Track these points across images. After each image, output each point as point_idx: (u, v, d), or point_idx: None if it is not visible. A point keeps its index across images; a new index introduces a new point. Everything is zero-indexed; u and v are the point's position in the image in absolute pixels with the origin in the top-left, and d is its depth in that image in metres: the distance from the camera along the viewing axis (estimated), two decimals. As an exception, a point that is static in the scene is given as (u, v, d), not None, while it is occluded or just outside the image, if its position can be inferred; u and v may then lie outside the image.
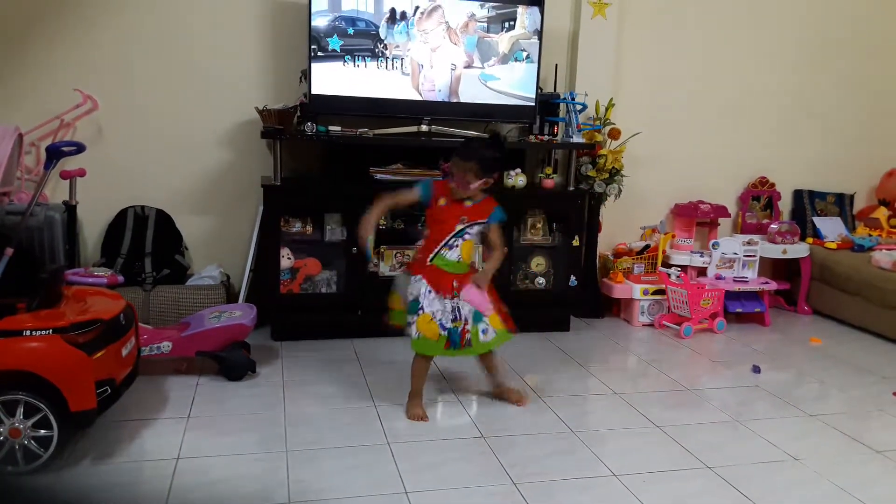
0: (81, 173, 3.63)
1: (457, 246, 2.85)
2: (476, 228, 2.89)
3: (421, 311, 2.80)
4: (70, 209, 3.49)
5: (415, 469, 2.48)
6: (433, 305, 2.81)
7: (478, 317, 2.85)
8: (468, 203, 2.86)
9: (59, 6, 3.69)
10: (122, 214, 3.87)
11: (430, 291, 2.81)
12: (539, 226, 4.10)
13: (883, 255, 4.31)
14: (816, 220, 4.95)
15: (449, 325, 2.81)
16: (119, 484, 2.33)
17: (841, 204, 5.07)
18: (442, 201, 2.86)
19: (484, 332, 2.86)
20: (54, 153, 3.20)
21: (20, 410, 2.28)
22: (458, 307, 2.82)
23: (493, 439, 2.73)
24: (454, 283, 2.82)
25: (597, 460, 2.61)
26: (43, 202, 3.52)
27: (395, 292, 2.98)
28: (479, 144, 2.95)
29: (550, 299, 4.12)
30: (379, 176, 3.79)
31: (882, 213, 5.00)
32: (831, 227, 4.91)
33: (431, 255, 2.85)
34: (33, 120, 3.67)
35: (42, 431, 2.30)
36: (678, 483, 2.48)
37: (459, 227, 2.84)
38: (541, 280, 4.11)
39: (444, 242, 2.84)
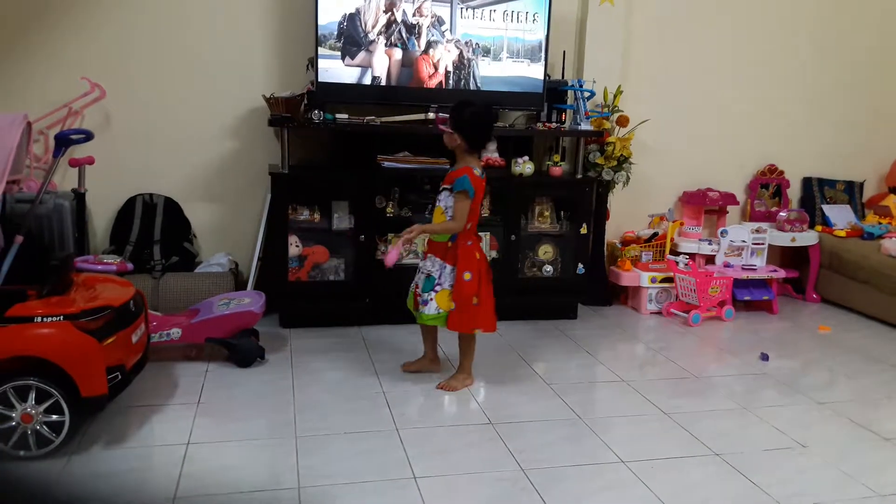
0: (90, 161, 3.64)
1: (431, 212, 3.09)
2: (443, 195, 2.99)
3: (439, 287, 2.98)
4: (79, 197, 3.50)
5: (423, 455, 2.50)
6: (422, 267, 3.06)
7: (427, 285, 3.01)
8: (450, 168, 3.04)
9: (66, -6, 3.69)
10: (131, 202, 3.89)
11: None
12: (547, 213, 4.10)
13: (893, 243, 4.28)
14: (825, 207, 4.93)
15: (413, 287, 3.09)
16: (130, 469, 2.35)
17: (850, 192, 5.04)
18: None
19: (425, 303, 3.00)
20: (63, 141, 3.21)
21: (32, 396, 2.30)
22: (420, 270, 3.07)
23: (501, 425, 2.74)
24: (424, 247, 3.10)
25: (605, 447, 2.62)
26: (52, 190, 3.53)
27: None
28: (467, 103, 3.00)
29: (558, 287, 4.12)
30: (386, 164, 3.79)
31: (892, 201, 4.97)
32: (840, 215, 4.89)
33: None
34: (41, 108, 3.68)
35: (54, 417, 2.32)
36: (686, 470, 2.48)
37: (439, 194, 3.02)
38: (548, 268, 4.11)
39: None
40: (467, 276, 2.95)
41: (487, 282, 3.03)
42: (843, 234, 4.67)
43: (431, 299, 2.98)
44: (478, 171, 2.96)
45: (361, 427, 2.69)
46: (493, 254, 3.94)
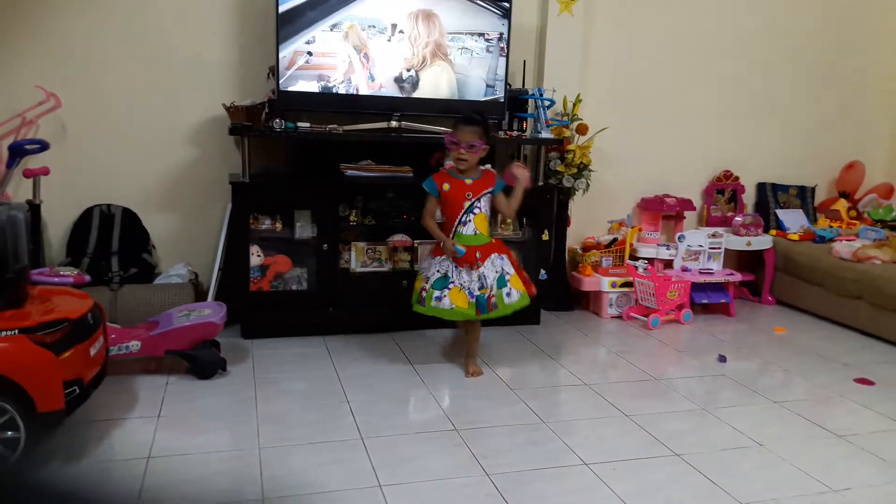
0: (45, 172, 3.58)
1: (470, 221, 3.21)
2: (484, 201, 3.25)
3: (452, 285, 3.16)
4: (34, 208, 3.43)
5: (388, 463, 2.50)
6: (461, 278, 3.17)
7: (501, 282, 3.21)
8: (468, 181, 3.22)
9: (19, 2, 3.62)
10: (88, 213, 3.82)
11: (456, 267, 3.18)
12: (509, 221, 4.13)
13: (843, 246, 4.42)
14: (779, 212, 5.06)
15: (476, 292, 3.17)
16: (88, 485, 2.30)
17: (803, 196, 5.19)
18: (446, 186, 3.22)
19: (508, 294, 3.22)
20: (17, 151, 3.15)
21: (-15, 412, 2.24)
22: (484, 276, 3.18)
23: (465, 431, 2.76)
24: (477, 255, 3.18)
25: (568, 450, 2.65)
26: (5, 201, 3.45)
27: (422, 275, 3.31)
28: (478, 114, 3.28)
29: (521, 293, 4.15)
30: (349, 172, 3.79)
31: (842, 205, 5.12)
32: (794, 219, 5.03)
33: (451, 235, 3.22)
34: (-6, 118, 3.61)
35: (9, 433, 2.26)
36: (647, 470, 2.53)
37: (467, 203, 3.20)
38: (511, 274, 4.14)
39: (458, 221, 3.21)
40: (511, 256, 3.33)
41: None
42: (796, 237, 4.79)
43: (511, 289, 3.22)
44: None
45: (326, 437, 2.68)
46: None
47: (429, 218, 3.27)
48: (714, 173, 4.99)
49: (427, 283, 3.22)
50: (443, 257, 3.23)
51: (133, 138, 3.86)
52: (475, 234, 3.21)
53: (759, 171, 5.11)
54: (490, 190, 3.26)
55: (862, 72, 5.22)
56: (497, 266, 3.22)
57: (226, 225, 3.87)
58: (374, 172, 3.79)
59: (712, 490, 2.41)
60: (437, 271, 3.21)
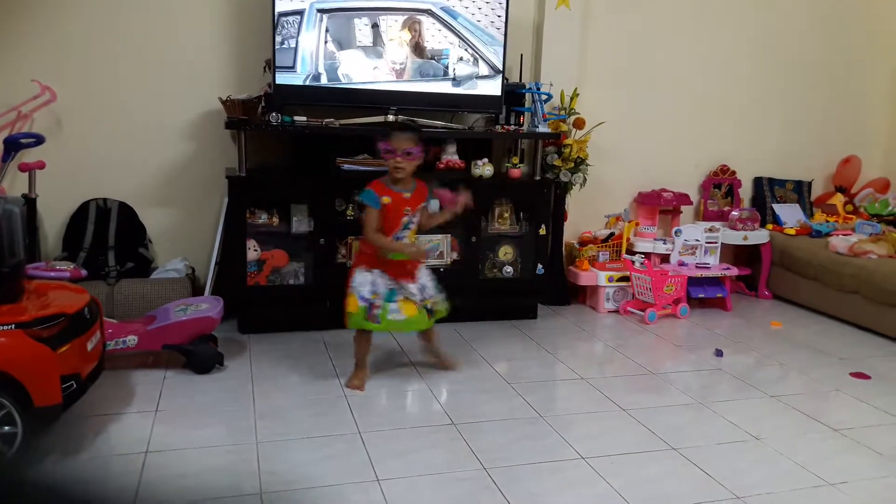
0: (41, 165, 3.57)
1: (405, 237, 3.07)
2: (418, 216, 3.11)
3: (399, 298, 3.04)
4: (30, 202, 3.42)
5: (386, 457, 2.50)
6: (406, 290, 3.06)
7: (436, 288, 3.17)
8: (407, 195, 3.05)
9: (13, -6, 3.60)
10: (84, 207, 3.81)
11: (395, 280, 3.05)
12: (506, 215, 4.13)
13: (839, 241, 4.43)
14: (776, 206, 5.07)
15: (419, 303, 3.09)
16: (87, 480, 2.30)
17: (799, 191, 5.20)
18: (386, 199, 3.01)
19: (441, 300, 3.17)
20: (12, 145, 3.14)
21: (-18, 407, 2.23)
22: (424, 285, 3.12)
23: (463, 426, 2.76)
24: (408, 267, 3.09)
25: (565, 444, 2.65)
26: (1, 195, 3.43)
27: (353, 294, 3.05)
28: (410, 123, 3.23)
29: (518, 288, 4.16)
30: (346, 166, 3.78)
31: (838, 200, 5.13)
32: (790, 214, 5.03)
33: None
34: (-11, 111, 3.59)
35: (6, 428, 2.26)
36: (644, 464, 2.53)
37: (405, 219, 3.05)
38: (508, 269, 4.14)
39: (394, 237, 3.04)
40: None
41: None
42: (792, 232, 4.80)
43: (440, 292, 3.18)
44: None
45: (323, 431, 2.68)
46: (454, 255, 3.96)
47: (374, 232, 3.00)
48: (711, 168, 5.00)
49: (377, 298, 3.01)
50: (378, 272, 3.03)
51: (129, 132, 3.84)
52: None
53: (755, 166, 5.11)
54: (424, 204, 3.12)
55: (858, 67, 5.23)
56: (426, 273, 3.16)
57: (222, 219, 3.86)
58: (371, 167, 3.78)
59: (709, 483, 2.42)
60: (384, 285, 3.03)
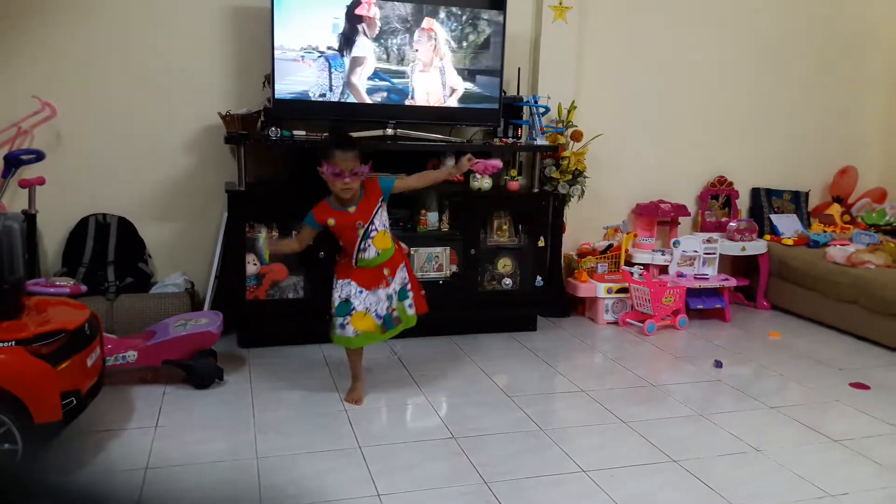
0: (41, 181, 3.58)
1: (370, 246, 2.99)
2: (378, 218, 3.01)
3: (354, 311, 2.96)
4: (29, 218, 3.42)
5: (387, 471, 2.50)
6: (366, 301, 2.98)
7: (403, 293, 3.08)
8: (352, 209, 2.99)
9: (14, 12, 3.62)
10: (84, 223, 3.81)
11: (360, 291, 2.98)
12: (505, 227, 4.14)
13: (837, 251, 4.44)
14: (773, 217, 5.08)
15: (384, 312, 3.01)
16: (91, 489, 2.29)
17: (797, 201, 5.21)
18: (331, 222, 3.00)
19: (410, 306, 3.10)
20: (13, 161, 3.15)
21: (-18, 424, 2.23)
22: (393, 293, 3.03)
23: (463, 439, 2.76)
24: (385, 272, 3.02)
25: (566, 457, 2.65)
26: (1, 211, 3.44)
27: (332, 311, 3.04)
28: (344, 136, 3.09)
29: (517, 299, 4.16)
30: (344, 180, 3.79)
31: (836, 210, 5.15)
32: (788, 224, 5.05)
33: (354, 263, 3.01)
34: (-11, 128, 3.60)
35: (6, 445, 2.25)
36: (645, 477, 2.53)
37: (361, 231, 2.98)
38: (507, 281, 4.15)
39: (357, 249, 2.99)
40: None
41: None
42: (790, 242, 4.82)
43: (412, 300, 3.11)
44: None
45: (323, 446, 2.68)
46: (454, 268, 3.96)
47: (294, 242, 3.16)
48: (708, 179, 5.01)
49: (332, 309, 3.00)
50: (346, 280, 2.99)
51: (129, 147, 3.86)
52: (377, 254, 2.99)
53: (753, 177, 5.13)
54: (380, 202, 3.01)
55: (855, 77, 5.26)
56: (401, 277, 3.07)
57: (222, 233, 3.87)
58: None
59: (710, 496, 2.41)
60: (339, 297, 2.99)
